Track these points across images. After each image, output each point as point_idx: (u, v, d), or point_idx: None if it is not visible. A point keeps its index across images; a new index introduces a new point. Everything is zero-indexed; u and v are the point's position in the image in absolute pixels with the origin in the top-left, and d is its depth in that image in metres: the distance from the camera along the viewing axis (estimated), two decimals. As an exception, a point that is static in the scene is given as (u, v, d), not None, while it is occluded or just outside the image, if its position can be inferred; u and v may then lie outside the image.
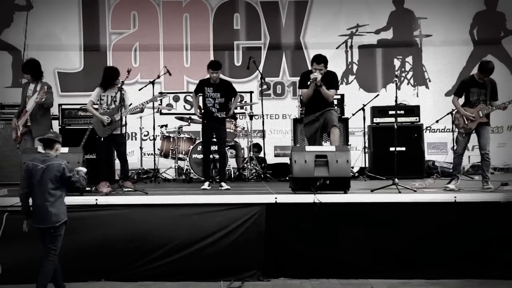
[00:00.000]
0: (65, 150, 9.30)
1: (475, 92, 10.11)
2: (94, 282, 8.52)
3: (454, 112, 10.53)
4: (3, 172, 11.88)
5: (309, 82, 10.31)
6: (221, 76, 11.01)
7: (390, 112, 12.62)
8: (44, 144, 7.78)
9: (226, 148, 12.12)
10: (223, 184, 10.59)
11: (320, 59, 10.34)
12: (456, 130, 10.55)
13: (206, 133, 10.88)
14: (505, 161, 14.82)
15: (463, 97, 10.30)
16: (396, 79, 10.91)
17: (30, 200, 7.68)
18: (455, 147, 10.65)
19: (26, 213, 7.71)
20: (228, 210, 8.89)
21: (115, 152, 10.77)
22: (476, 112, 10.06)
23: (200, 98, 10.91)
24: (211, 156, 11.09)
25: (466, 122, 10.13)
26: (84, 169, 7.97)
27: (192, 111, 12.79)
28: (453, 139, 12.35)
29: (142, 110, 11.08)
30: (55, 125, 12.63)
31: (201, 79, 11.05)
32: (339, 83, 13.08)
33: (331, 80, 10.48)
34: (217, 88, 10.75)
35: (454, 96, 10.40)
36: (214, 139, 10.91)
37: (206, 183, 10.65)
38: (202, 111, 10.88)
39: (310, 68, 10.62)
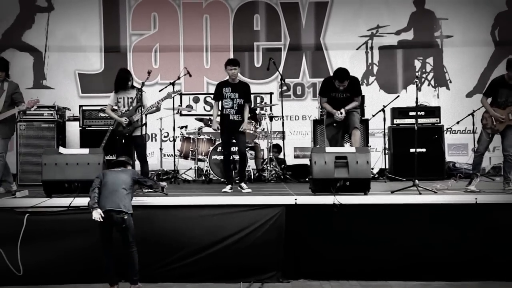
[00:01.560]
0: (85, 151, 9.39)
1: (503, 93, 10.03)
2: (114, 282, 8.51)
3: (483, 112, 10.36)
4: (24, 173, 11.96)
5: (334, 125, 10.45)
6: (240, 77, 10.90)
7: (411, 113, 12.56)
8: (118, 164, 8.75)
9: (246, 149, 12.10)
10: (243, 185, 10.34)
11: (342, 77, 10.34)
12: (477, 130, 10.47)
13: (225, 136, 10.62)
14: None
15: (492, 98, 10.21)
16: (417, 80, 10.85)
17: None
18: (476, 146, 10.55)
19: None
20: (248, 211, 8.89)
21: (135, 153, 10.79)
22: (506, 114, 10.00)
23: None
24: (231, 157, 10.99)
25: (495, 123, 10.05)
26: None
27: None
28: (474, 140, 12.31)
29: (158, 109, 10.97)
30: (76, 126, 12.75)
31: (219, 82, 10.70)
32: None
33: (354, 88, 10.49)
34: (235, 88, 10.44)
35: (483, 96, 10.33)
36: (234, 140, 10.76)
37: (228, 186, 10.34)
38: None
39: (330, 71, 10.59)
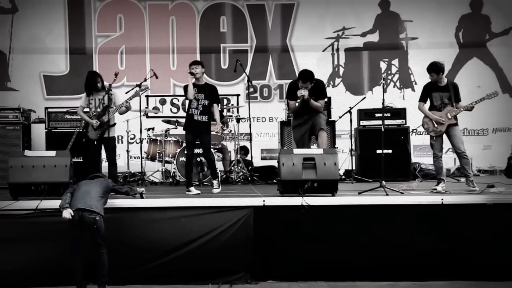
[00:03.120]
0: (52, 153, 9.32)
1: (437, 97, 10.37)
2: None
3: (422, 117, 10.61)
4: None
5: (297, 102, 10.34)
6: (207, 78, 10.93)
7: (377, 115, 12.67)
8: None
9: (213, 151, 12.11)
10: (214, 183, 10.34)
11: (306, 77, 10.33)
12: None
13: (189, 136, 10.48)
14: (491, 163, 14.92)
15: (428, 102, 10.52)
16: (383, 81, 10.95)
17: None
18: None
19: None
20: (216, 213, 8.89)
21: (106, 155, 10.70)
22: (444, 115, 10.27)
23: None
24: (198, 159, 11.01)
25: (436, 126, 10.32)
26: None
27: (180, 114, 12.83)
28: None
29: (128, 108, 10.92)
30: (42, 129, 12.64)
31: (185, 84, 10.53)
32: (326, 86, 13.11)
33: (319, 91, 10.49)
34: (201, 89, 10.37)
35: (419, 102, 10.61)
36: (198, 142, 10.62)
37: (192, 188, 10.32)
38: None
39: (296, 73, 10.61)
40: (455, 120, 10.29)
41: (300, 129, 10.54)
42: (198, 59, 14.45)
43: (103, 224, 8.13)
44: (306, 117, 10.42)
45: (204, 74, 10.63)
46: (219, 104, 11.02)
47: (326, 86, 12.53)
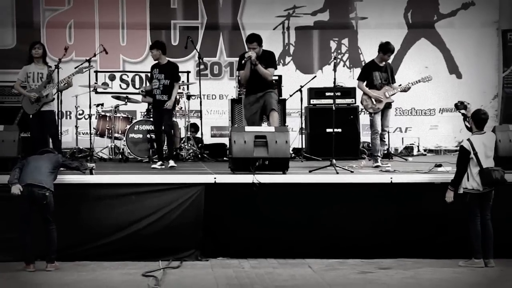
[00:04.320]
0: (0, 128, 9.17)
1: (377, 76, 10.93)
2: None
3: (361, 95, 11.08)
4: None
5: (243, 61, 10.31)
6: (169, 59, 11.06)
7: (327, 94, 12.74)
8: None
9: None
10: (171, 162, 10.72)
11: (252, 38, 10.36)
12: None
13: (154, 115, 11.19)
14: (437, 143, 15.15)
15: (367, 81, 10.99)
16: (334, 60, 11.02)
17: None
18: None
19: None
20: (167, 190, 8.89)
21: (46, 129, 10.54)
22: (383, 94, 10.83)
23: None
24: (148, 135, 11.09)
25: (375, 103, 10.84)
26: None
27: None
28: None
29: (70, 84, 10.77)
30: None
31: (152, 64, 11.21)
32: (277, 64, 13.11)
33: (268, 59, 10.48)
34: (162, 70, 10.88)
35: (359, 81, 11.18)
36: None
37: (159, 163, 10.82)
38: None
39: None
40: (392, 100, 10.92)
41: (251, 108, 10.53)
42: (148, 35, 14.52)
43: (53, 200, 8.07)
44: (258, 95, 10.40)
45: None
46: (179, 82, 11.37)
47: (277, 63, 12.48)
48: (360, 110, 12.95)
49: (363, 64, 13.17)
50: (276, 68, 10.90)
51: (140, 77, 14.82)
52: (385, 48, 10.94)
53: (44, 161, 8.30)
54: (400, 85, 11.13)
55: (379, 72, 10.95)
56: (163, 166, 10.72)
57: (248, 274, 8.17)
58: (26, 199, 7.94)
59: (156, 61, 10.99)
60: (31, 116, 10.29)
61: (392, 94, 10.88)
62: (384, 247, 8.99)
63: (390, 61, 11.25)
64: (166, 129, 10.98)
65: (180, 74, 11.55)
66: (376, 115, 10.82)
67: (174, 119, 12.81)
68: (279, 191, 8.95)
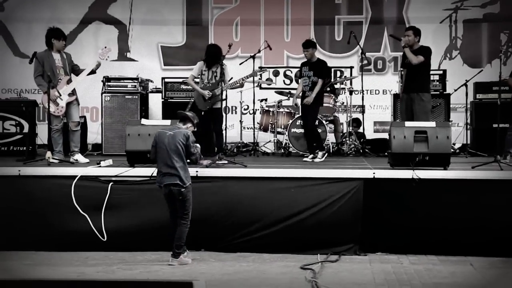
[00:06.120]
0: (167, 122, 9.54)
1: None
2: (194, 251, 8.65)
3: None
4: (108, 143, 12.25)
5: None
6: (321, 51, 11.24)
7: (494, 88, 12.32)
8: (180, 118, 8.46)
9: (325, 123, 12.21)
10: (319, 153, 11.10)
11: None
12: None
13: (302, 112, 11.68)
14: None
15: None
16: (502, 54, 10.65)
17: None
18: None
19: None
20: (326, 184, 8.91)
21: (213, 126, 10.93)
22: None
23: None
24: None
25: None
26: (199, 145, 8.46)
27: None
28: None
29: (242, 85, 11.26)
30: (158, 98, 13.00)
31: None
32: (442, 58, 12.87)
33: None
34: (311, 67, 11.22)
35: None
36: None
37: (310, 156, 11.14)
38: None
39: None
40: None
41: (402, 105, 10.81)
42: (312, 31, 14.60)
43: (190, 194, 8.17)
44: (405, 96, 10.51)
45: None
46: (326, 78, 11.70)
47: (442, 58, 12.13)
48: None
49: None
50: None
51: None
52: None
53: (174, 150, 8.14)
54: None
55: None
56: (313, 160, 11.01)
57: (407, 270, 8.06)
58: (167, 196, 8.18)
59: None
60: (202, 113, 10.69)
61: None
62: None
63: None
64: (309, 124, 11.39)
65: (342, 69, 11.68)
66: None
67: (335, 114, 12.89)
68: (440, 186, 8.77)
